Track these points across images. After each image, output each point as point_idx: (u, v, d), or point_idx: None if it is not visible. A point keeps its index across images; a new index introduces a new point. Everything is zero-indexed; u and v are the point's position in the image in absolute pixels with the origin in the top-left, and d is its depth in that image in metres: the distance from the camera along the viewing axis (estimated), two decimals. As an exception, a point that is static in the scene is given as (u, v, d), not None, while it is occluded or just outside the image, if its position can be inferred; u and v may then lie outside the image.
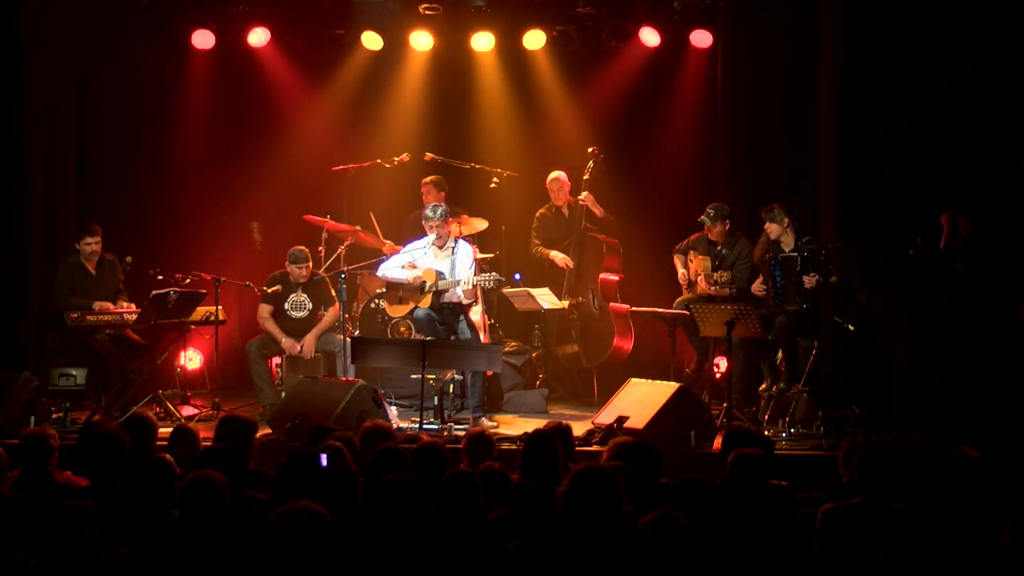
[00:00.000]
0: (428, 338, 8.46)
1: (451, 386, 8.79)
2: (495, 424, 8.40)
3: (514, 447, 6.97)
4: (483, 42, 10.57)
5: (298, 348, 8.91)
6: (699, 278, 8.80)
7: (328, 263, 9.66)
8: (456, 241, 8.84)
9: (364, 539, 4.35)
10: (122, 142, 10.32)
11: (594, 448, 7.27)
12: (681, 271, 9.04)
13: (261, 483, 5.17)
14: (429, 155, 10.07)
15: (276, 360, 9.17)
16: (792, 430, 7.99)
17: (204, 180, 10.73)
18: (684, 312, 8.42)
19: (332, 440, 5.40)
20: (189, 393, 9.26)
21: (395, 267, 8.81)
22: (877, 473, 4.84)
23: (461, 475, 4.66)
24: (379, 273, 9.01)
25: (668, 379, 8.25)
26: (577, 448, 6.49)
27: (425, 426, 7.79)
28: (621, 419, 7.56)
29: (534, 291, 9.36)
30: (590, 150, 9.82)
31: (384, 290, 9.34)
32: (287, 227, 10.14)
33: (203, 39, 10.40)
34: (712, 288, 8.66)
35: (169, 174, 10.61)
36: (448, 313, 8.68)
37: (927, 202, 8.31)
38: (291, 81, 10.80)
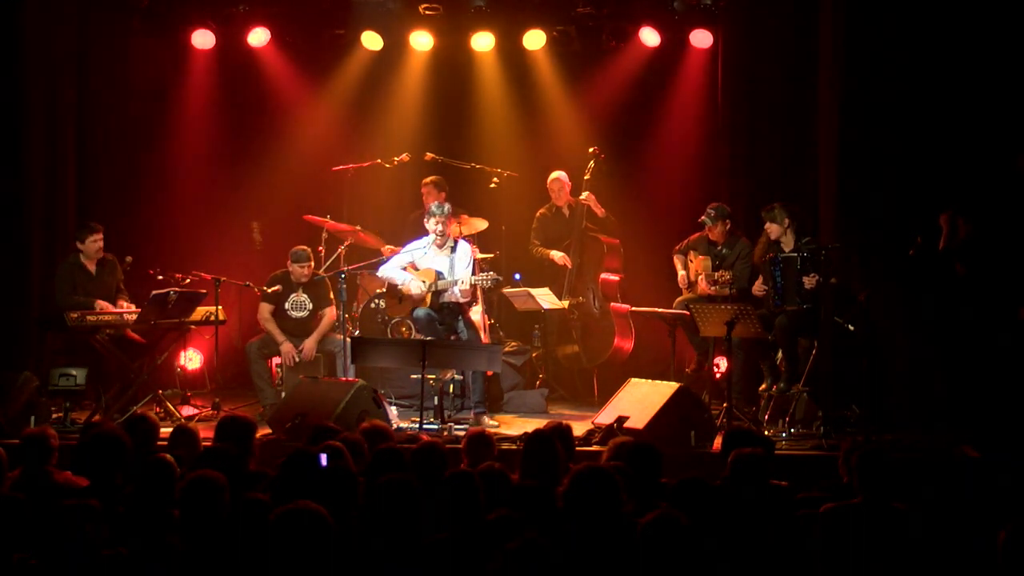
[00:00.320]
0: (428, 338, 8.46)
1: (451, 386, 8.79)
2: (496, 424, 8.40)
3: (514, 447, 6.96)
4: (483, 42, 10.57)
5: (294, 357, 8.89)
6: (699, 278, 8.80)
7: (328, 263, 9.66)
8: (456, 241, 8.84)
9: (364, 539, 4.35)
10: (122, 142, 10.31)
11: (594, 448, 7.27)
12: (681, 272, 9.04)
13: (261, 483, 5.17)
14: (429, 155, 10.07)
15: (276, 360, 9.16)
16: (792, 430, 7.99)
17: (204, 180, 10.75)
18: (684, 312, 8.42)
19: (335, 441, 5.39)
20: (189, 393, 9.26)
21: (395, 268, 8.81)
22: (877, 473, 4.84)
23: (461, 475, 4.66)
24: (379, 273, 9.01)
25: (668, 379, 8.25)
26: (577, 448, 6.49)
27: (425, 426, 7.79)
28: (621, 419, 7.56)
29: (534, 291, 9.37)
30: (591, 150, 9.82)
31: (384, 290, 9.35)
32: (287, 227, 10.14)
33: (203, 39, 10.41)
34: (712, 288, 8.66)
35: (169, 174, 10.62)
36: (448, 313, 8.68)
37: (927, 202, 8.31)
38: (291, 81, 10.81)
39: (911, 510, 4.79)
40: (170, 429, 6.20)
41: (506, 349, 9.35)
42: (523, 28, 10.42)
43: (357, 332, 9.46)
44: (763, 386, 8.55)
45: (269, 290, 9.04)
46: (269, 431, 7.82)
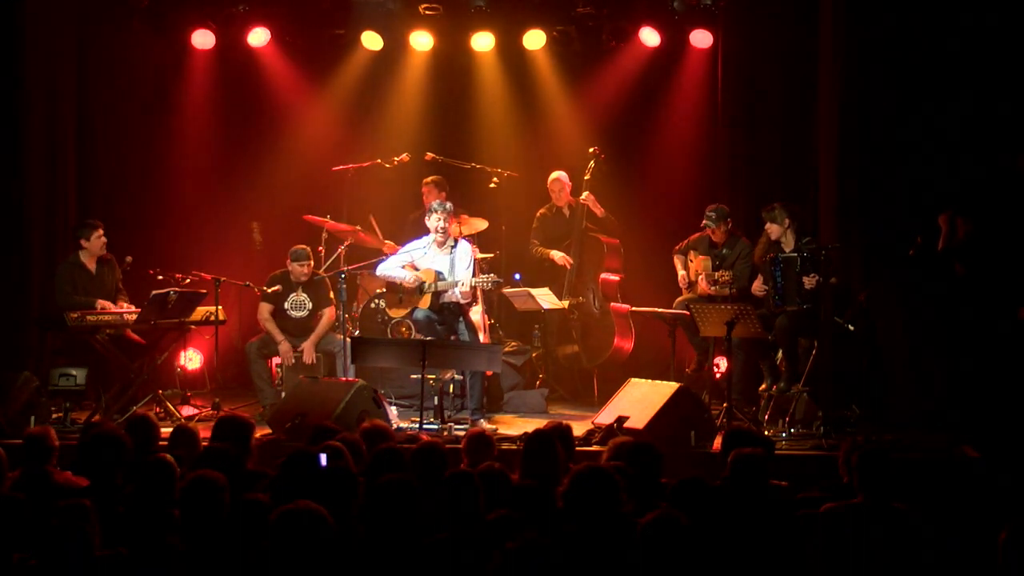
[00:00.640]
0: (428, 338, 8.46)
1: (451, 386, 8.80)
2: (494, 427, 8.39)
3: (514, 447, 6.96)
4: (483, 42, 10.57)
5: (292, 358, 8.89)
6: (699, 278, 8.80)
7: (328, 263, 9.66)
8: (456, 241, 8.84)
9: (364, 539, 4.35)
10: (122, 142, 10.32)
11: (594, 448, 7.27)
12: (681, 272, 9.04)
13: (261, 483, 5.17)
14: (429, 155, 10.07)
15: (276, 360, 9.16)
16: (792, 430, 7.98)
17: (204, 180, 10.74)
18: (684, 312, 8.42)
19: (335, 442, 5.39)
20: (189, 393, 9.26)
21: (395, 267, 8.81)
22: (877, 473, 4.84)
23: (461, 475, 4.66)
24: (378, 272, 9.01)
25: (668, 379, 8.25)
26: (577, 448, 6.48)
27: (425, 426, 7.79)
28: (621, 419, 7.56)
29: (534, 291, 9.36)
30: (591, 150, 9.82)
31: (384, 290, 9.34)
32: (287, 227, 10.14)
33: (203, 39, 10.40)
34: (712, 288, 8.66)
35: (169, 174, 10.61)
36: (448, 313, 8.67)
37: (927, 202, 8.31)
38: (291, 81, 10.80)
39: (911, 510, 4.79)
40: (170, 429, 6.21)
41: (506, 349, 9.35)
42: (523, 28, 10.41)
43: (357, 332, 9.46)
44: (763, 386, 8.55)
45: (269, 290, 9.04)
46: (269, 431, 7.82)
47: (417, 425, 7.86)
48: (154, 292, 8.58)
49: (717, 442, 6.97)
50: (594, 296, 9.77)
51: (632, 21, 10.31)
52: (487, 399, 8.76)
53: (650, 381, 8.11)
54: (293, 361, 8.91)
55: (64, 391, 8.31)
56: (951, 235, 8.11)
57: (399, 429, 7.82)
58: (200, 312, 8.81)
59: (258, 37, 10.46)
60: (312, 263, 9.12)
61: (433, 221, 8.67)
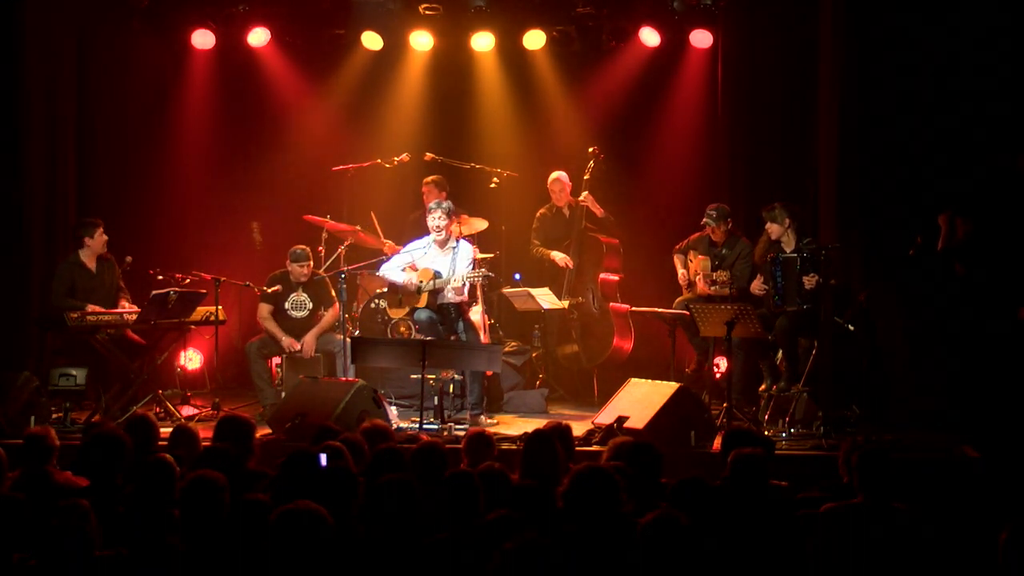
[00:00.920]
0: (428, 338, 8.46)
1: (451, 386, 8.79)
2: (495, 422, 8.40)
3: (514, 447, 6.96)
4: (483, 42, 10.57)
5: (298, 346, 8.90)
6: (698, 278, 8.80)
7: (328, 263, 9.66)
8: (457, 242, 8.84)
9: (364, 539, 4.35)
10: (122, 142, 10.32)
11: (594, 448, 7.27)
12: (681, 271, 9.04)
13: (261, 483, 5.17)
14: (429, 155, 10.07)
15: (276, 360, 9.17)
16: (792, 430, 7.98)
17: (204, 180, 10.75)
18: (684, 312, 8.42)
19: (335, 441, 5.39)
20: (189, 393, 9.25)
21: (395, 268, 8.81)
22: (877, 473, 4.84)
23: (461, 475, 4.66)
24: (379, 273, 9.02)
25: (668, 379, 8.25)
26: (577, 448, 6.49)
27: (425, 426, 7.79)
28: (621, 419, 7.56)
29: (534, 291, 9.36)
30: (590, 150, 9.82)
31: (384, 290, 9.34)
32: (287, 227, 10.14)
33: (203, 39, 10.40)
34: (711, 288, 8.66)
35: (169, 174, 10.62)
36: (448, 313, 8.67)
37: (927, 202, 8.32)
38: (291, 81, 10.80)
39: (911, 510, 4.79)
40: (170, 429, 6.21)
41: (506, 349, 9.35)
42: (523, 28, 10.41)
43: (357, 332, 9.46)
44: (763, 386, 8.55)
45: (269, 290, 9.04)
46: (269, 431, 7.82)
47: (417, 425, 7.86)
48: (154, 292, 8.58)
49: (717, 442, 6.96)
50: (594, 296, 9.77)
51: (632, 21, 10.32)
52: (487, 399, 8.76)
53: (650, 381, 8.11)
54: (299, 346, 8.88)
55: (64, 391, 8.31)
56: (951, 235, 8.12)
57: (399, 429, 7.83)
58: (200, 312, 8.81)
59: (258, 37, 10.46)
60: (311, 264, 9.11)
61: (433, 219, 8.69)
